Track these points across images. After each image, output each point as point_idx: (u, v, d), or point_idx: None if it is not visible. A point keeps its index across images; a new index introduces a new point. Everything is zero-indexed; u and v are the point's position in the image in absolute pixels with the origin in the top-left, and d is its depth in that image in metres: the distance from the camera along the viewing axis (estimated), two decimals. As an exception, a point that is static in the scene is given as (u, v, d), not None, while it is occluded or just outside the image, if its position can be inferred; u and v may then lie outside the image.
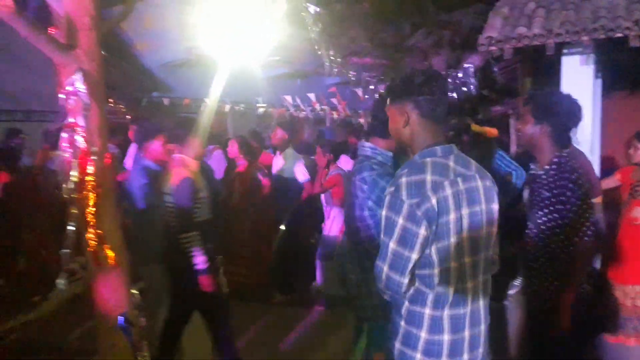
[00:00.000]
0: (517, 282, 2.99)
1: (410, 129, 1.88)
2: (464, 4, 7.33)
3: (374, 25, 8.38)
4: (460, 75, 7.26)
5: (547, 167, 2.54)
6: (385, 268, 1.80)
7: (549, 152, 2.55)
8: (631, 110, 5.60)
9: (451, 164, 1.82)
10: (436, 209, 1.72)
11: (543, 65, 5.83)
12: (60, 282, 2.26)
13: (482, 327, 1.90)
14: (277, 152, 6.08)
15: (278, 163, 5.89)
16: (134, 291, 2.67)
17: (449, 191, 1.76)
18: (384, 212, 1.81)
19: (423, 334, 1.80)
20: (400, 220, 1.74)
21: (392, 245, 1.77)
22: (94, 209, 2.28)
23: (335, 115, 13.69)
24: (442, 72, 7.44)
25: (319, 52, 8.29)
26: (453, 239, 1.77)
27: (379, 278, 1.83)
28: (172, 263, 3.40)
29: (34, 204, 5.29)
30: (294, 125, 9.93)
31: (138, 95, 12.34)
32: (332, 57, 8.50)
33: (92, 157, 2.32)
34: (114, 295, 2.42)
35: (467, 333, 1.83)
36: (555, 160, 2.51)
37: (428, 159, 1.81)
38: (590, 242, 2.45)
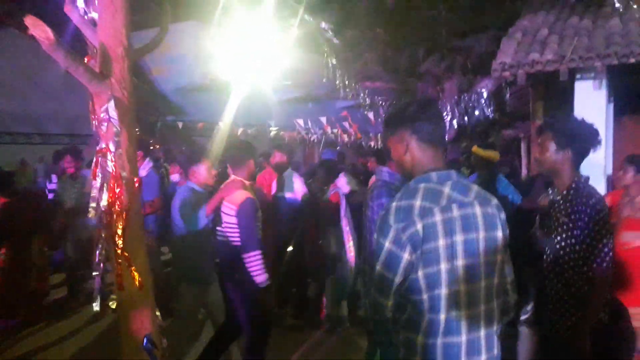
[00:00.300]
0: (529, 307, 2.97)
1: (411, 156, 1.90)
2: (476, 30, 7.44)
3: (386, 50, 8.53)
4: (472, 99, 7.34)
5: (564, 192, 2.55)
6: (372, 290, 1.83)
7: (567, 178, 2.56)
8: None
9: (446, 190, 1.82)
10: (421, 235, 1.73)
11: (555, 90, 5.89)
12: (95, 304, 2.34)
13: (483, 358, 1.84)
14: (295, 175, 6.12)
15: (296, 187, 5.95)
16: (157, 313, 2.73)
17: (438, 217, 1.75)
18: (375, 236, 1.83)
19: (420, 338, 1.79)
20: (387, 244, 1.76)
21: (378, 268, 1.79)
22: (122, 232, 2.35)
23: (346, 138, 13.81)
24: (454, 96, 7.53)
25: (334, 76, 8.44)
26: (444, 266, 1.75)
27: (368, 299, 1.88)
28: (232, 280, 3.52)
29: (34, 224, 5.47)
30: (292, 147, 10.02)
31: (153, 119, 12.55)
32: (346, 82, 8.64)
33: (122, 182, 2.39)
34: (139, 316, 2.47)
35: (483, 357, 1.80)
36: (574, 185, 2.52)
37: (421, 185, 1.82)
38: (609, 268, 2.43)
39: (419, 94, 8.33)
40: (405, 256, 1.73)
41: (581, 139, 2.53)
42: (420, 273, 1.74)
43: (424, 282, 1.75)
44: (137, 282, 2.39)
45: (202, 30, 9.77)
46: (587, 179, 2.56)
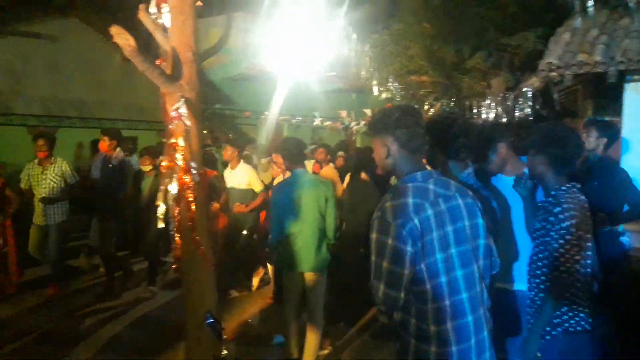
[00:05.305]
0: None
1: (393, 159, 2.06)
2: (524, 28, 7.39)
3: (432, 44, 8.56)
4: (518, 96, 7.32)
5: (544, 199, 2.57)
6: (382, 287, 1.92)
7: (549, 184, 2.56)
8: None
9: (431, 186, 2.00)
10: (419, 229, 1.89)
11: (605, 89, 5.85)
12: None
13: (485, 333, 2.02)
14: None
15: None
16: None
17: (430, 212, 1.92)
18: (373, 235, 1.96)
19: (433, 349, 1.94)
20: (390, 241, 1.89)
21: (385, 264, 1.91)
22: (192, 218, 2.61)
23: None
24: (501, 93, 7.52)
25: (380, 68, 8.54)
26: (439, 255, 1.92)
27: (377, 296, 1.96)
28: None
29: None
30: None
31: (202, 107, 12.91)
32: (390, 75, 8.73)
33: (190, 173, 2.65)
34: (203, 295, 2.74)
35: (473, 341, 1.96)
36: (553, 193, 2.52)
37: (409, 184, 1.99)
38: (571, 278, 2.37)
39: (465, 89, 8.35)
40: (409, 249, 1.89)
41: (557, 145, 2.51)
42: (422, 265, 1.92)
43: (426, 273, 1.92)
44: (205, 264, 2.66)
45: (250, 22, 10.06)
46: (572, 186, 2.52)
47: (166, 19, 2.79)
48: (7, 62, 9.58)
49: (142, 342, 4.80)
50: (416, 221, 1.90)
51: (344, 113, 13.28)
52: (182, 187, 2.64)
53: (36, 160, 5.93)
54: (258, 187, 6.09)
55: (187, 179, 2.64)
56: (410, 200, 1.94)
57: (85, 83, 10.88)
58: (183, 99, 2.64)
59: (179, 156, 2.66)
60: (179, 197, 2.64)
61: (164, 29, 2.86)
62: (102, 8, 10.32)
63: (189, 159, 2.66)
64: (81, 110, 11.04)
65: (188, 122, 2.64)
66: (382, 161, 2.13)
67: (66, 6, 10.09)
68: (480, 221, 2.07)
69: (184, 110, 2.63)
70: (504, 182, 2.91)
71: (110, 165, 6.02)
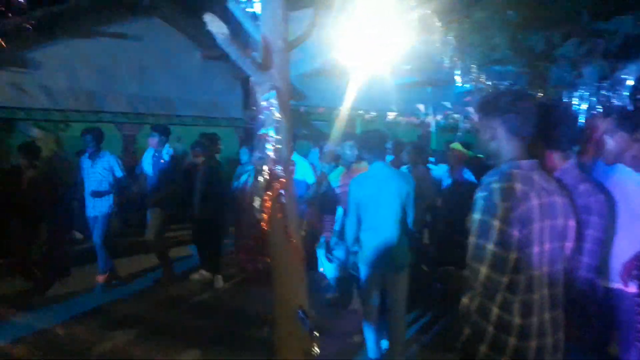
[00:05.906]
0: None
1: (497, 143, 2.02)
2: (621, 10, 6.82)
3: (517, 33, 8.11)
4: (614, 87, 6.79)
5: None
6: (484, 269, 1.85)
7: None
8: None
9: (535, 177, 1.93)
10: (525, 215, 1.83)
11: None
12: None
13: (561, 334, 2.00)
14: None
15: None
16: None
17: (535, 202, 1.85)
18: (477, 216, 1.89)
19: (512, 340, 1.88)
20: (496, 223, 1.82)
21: (490, 247, 1.83)
22: (282, 210, 2.58)
23: (468, 124, 13.41)
24: (594, 82, 7.02)
25: (460, 59, 8.25)
26: (536, 248, 1.86)
27: (476, 280, 1.89)
28: None
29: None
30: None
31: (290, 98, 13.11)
32: (472, 66, 8.40)
33: (281, 164, 2.62)
34: (294, 287, 2.70)
35: (549, 339, 1.93)
36: None
37: (515, 170, 1.92)
38: None
39: (554, 78, 7.85)
40: (516, 234, 1.83)
41: None
42: (521, 254, 1.86)
43: (523, 264, 1.86)
44: (296, 257, 2.63)
45: (323, 17, 10.03)
46: None
47: (257, 8, 2.78)
48: (98, 62, 10.10)
49: (215, 331, 4.93)
50: (523, 208, 1.84)
51: (422, 107, 13.03)
52: (272, 179, 2.61)
53: (87, 154, 6.27)
54: (311, 179, 6.03)
55: (278, 170, 2.61)
56: (518, 186, 1.86)
57: (168, 81, 11.29)
58: (274, 89, 2.61)
59: (269, 147, 2.63)
60: (269, 189, 2.62)
61: (254, 18, 2.86)
62: (184, 8, 10.65)
63: (280, 150, 2.63)
64: (164, 108, 11.47)
65: (278, 113, 2.61)
66: (485, 144, 2.08)
67: (151, 7, 10.49)
68: (572, 223, 2.02)
69: (274, 100, 2.60)
70: (624, 174, 2.69)
71: (162, 161, 6.24)
